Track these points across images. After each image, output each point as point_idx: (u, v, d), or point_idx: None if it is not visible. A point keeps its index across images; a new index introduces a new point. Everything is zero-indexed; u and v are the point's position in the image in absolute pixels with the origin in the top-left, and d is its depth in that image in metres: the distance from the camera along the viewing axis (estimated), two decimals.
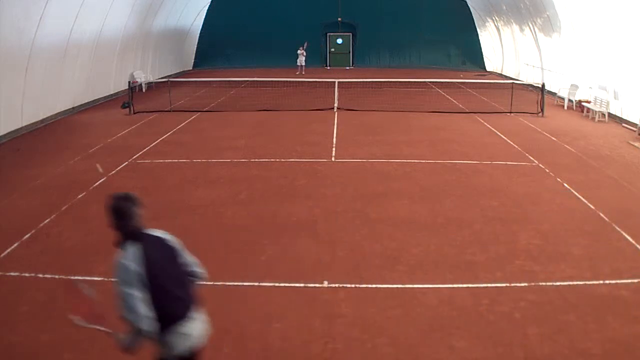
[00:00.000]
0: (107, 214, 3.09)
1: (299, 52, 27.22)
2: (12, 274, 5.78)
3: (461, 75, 25.07)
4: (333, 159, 10.51)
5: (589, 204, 7.93)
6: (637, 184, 8.90)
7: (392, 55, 31.58)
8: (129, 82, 17.16)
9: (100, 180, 9.07)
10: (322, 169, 9.76)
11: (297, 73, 25.40)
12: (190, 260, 3.32)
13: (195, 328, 3.20)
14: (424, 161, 10.40)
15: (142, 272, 2.97)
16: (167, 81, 18.62)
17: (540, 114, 15.29)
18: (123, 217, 3.06)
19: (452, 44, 30.90)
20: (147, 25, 21.13)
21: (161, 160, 10.47)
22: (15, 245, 6.49)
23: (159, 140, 12.06)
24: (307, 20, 29.98)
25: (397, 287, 5.52)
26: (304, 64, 27.03)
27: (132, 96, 15.96)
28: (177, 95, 18.26)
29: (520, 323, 4.82)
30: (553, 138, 12.42)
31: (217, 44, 29.91)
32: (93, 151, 11.16)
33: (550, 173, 9.55)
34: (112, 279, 3.01)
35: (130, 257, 2.98)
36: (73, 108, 15.80)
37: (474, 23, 29.84)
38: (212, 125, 13.87)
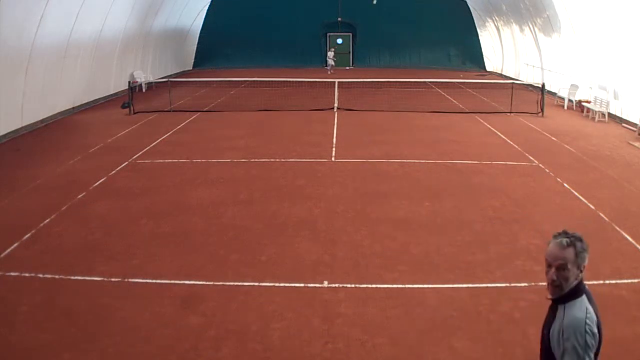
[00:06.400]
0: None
1: (329, 54, 29.45)
2: (12, 274, 5.77)
3: (461, 76, 25.06)
4: (333, 159, 10.50)
5: (589, 204, 7.92)
6: (637, 184, 8.89)
7: (392, 55, 31.60)
8: (129, 82, 17.15)
9: (101, 180, 9.07)
10: (322, 169, 9.76)
11: (329, 72, 26.99)
12: None
13: None
14: (424, 161, 10.40)
15: (598, 336, 2.38)
16: (167, 81, 18.59)
17: (540, 114, 15.29)
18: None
19: (452, 44, 30.90)
20: (147, 25, 21.12)
21: (161, 160, 10.47)
22: (15, 245, 6.48)
23: (159, 140, 12.06)
24: (307, 20, 30.05)
25: (397, 287, 5.52)
26: (333, 64, 28.93)
27: (132, 96, 15.96)
28: (177, 95, 18.24)
29: (520, 323, 4.82)
30: (553, 138, 12.41)
31: (217, 44, 29.90)
32: (93, 151, 11.16)
33: (550, 173, 9.54)
34: (565, 341, 2.31)
35: (591, 317, 2.40)
36: (73, 108, 15.79)
37: (474, 23, 29.85)
38: (212, 125, 13.87)
